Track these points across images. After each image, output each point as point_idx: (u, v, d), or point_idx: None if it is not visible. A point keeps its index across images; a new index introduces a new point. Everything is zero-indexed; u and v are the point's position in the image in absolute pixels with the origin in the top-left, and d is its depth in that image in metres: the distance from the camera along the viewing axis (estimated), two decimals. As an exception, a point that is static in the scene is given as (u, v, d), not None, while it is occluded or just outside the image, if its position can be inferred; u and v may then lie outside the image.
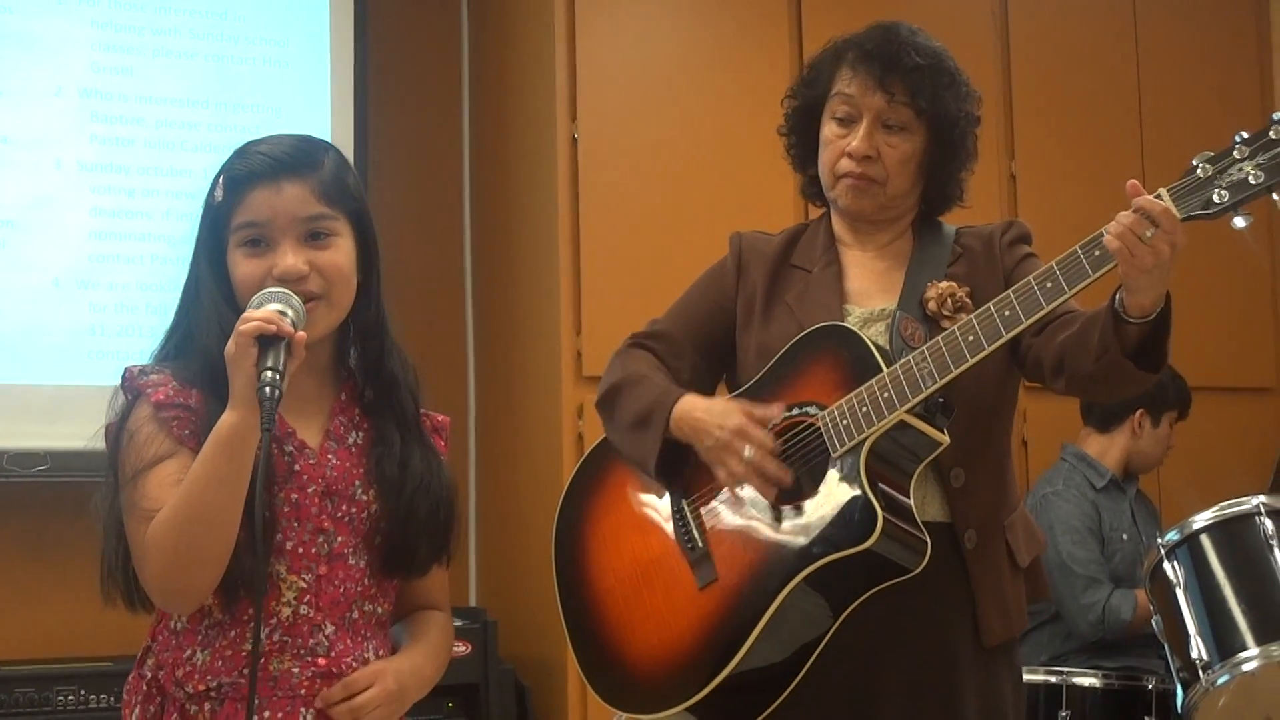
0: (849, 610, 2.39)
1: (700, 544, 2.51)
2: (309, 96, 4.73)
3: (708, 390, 2.73)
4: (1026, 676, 3.93)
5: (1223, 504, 3.45)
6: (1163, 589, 3.46)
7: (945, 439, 2.41)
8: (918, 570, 2.37)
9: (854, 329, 2.50)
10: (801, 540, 2.39)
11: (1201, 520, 3.44)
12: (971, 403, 2.47)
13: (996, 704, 2.54)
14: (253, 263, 2.10)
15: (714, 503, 2.53)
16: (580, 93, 4.50)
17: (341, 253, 2.14)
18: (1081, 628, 4.32)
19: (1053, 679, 3.89)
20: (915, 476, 2.43)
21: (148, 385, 2.09)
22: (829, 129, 2.63)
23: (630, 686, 2.55)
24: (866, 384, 2.40)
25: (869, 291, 2.62)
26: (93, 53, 4.50)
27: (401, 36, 5.15)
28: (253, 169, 2.11)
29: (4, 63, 4.39)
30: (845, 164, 2.59)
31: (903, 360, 2.39)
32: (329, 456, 2.15)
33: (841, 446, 2.40)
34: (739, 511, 2.48)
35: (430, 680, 2.24)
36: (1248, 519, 3.40)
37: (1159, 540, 3.50)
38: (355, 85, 4.77)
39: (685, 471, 2.56)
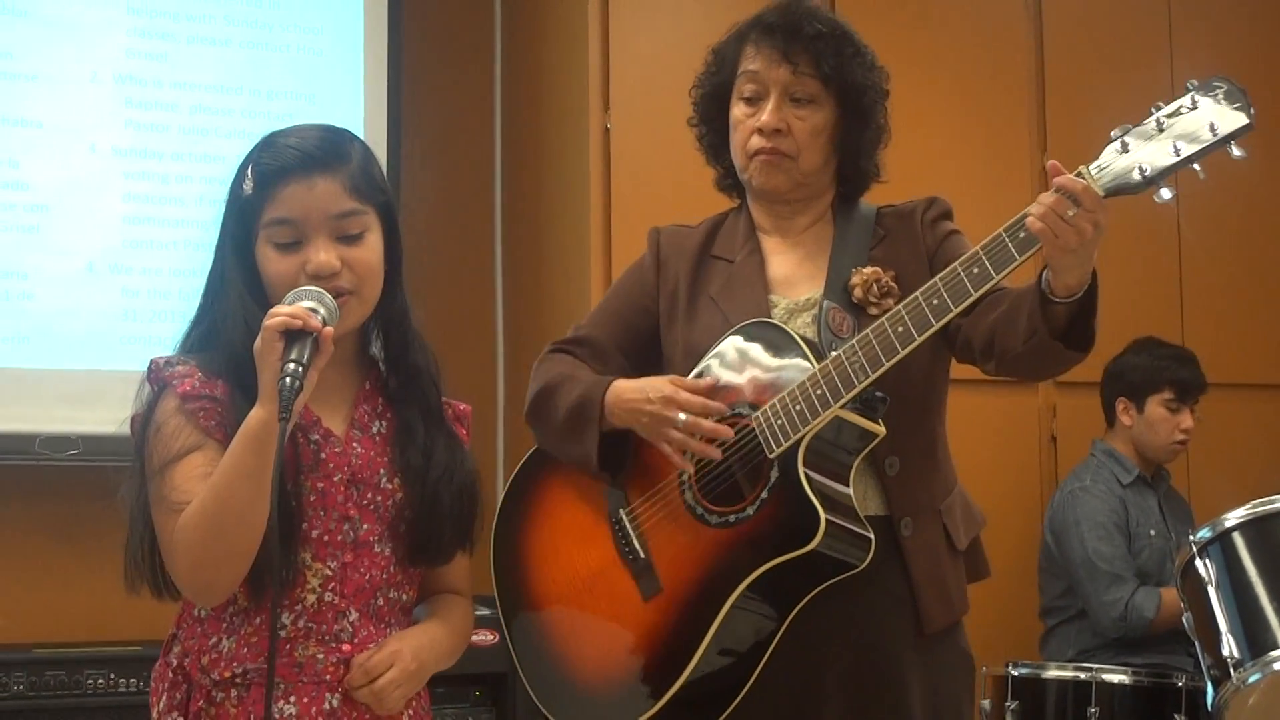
0: (796, 611, 2.36)
1: (642, 554, 2.48)
2: (342, 84, 4.73)
3: None
4: (1055, 673, 3.94)
5: (1255, 502, 3.42)
6: (1194, 586, 3.43)
7: (881, 430, 2.38)
8: (864, 565, 2.35)
9: (781, 324, 2.47)
10: (744, 545, 2.36)
11: (1234, 518, 3.41)
12: (900, 389, 2.42)
13: (945, 692, 2.51)
14: (285, 259, 2.10)
15: (653, 511, 2.50)
16: (613, 82, 4.49)
17: (371, 248, 2.14)
18: (1104, 624, 4.31)
19: (1081, 675, 3.88)
20: (854, 470, 2.40)
21: (174, 376, 2.10)
22: (737, 110, 2.60)
23: (581, 705, 2.53)
24: (798, 381, 2.37)
25: (792, 280, 2.58)
26: (128, 38, 4.51)
27: (435, 25, 5.16)
28: (284, 164, 2.11)
29: (40, 48, 4.41)
30: (756, 141, 2.55)
31: (833, 355, 2.35)
32: (354, 445, 2.15)
33: (778, 447, 2.36)
34: (679, 519, 2.45)
35: (449, 653, 2.25)
36: (1280, 517, 3.38)
37: (1191, 538, 3.48)
38: (388, 73, 4.77)
39: (620, 477, 2.53)
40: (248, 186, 2.12)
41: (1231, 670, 3.25)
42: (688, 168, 4.49)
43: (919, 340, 2.30)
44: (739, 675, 2.37)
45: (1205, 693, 3.42)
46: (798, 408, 2.35)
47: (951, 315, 2.28)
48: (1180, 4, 5.33)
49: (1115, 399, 4.58)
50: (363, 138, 2.26)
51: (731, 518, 2.39)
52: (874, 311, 2.43)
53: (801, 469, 2.34)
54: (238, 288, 2.12)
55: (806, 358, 2.38)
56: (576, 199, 4.54)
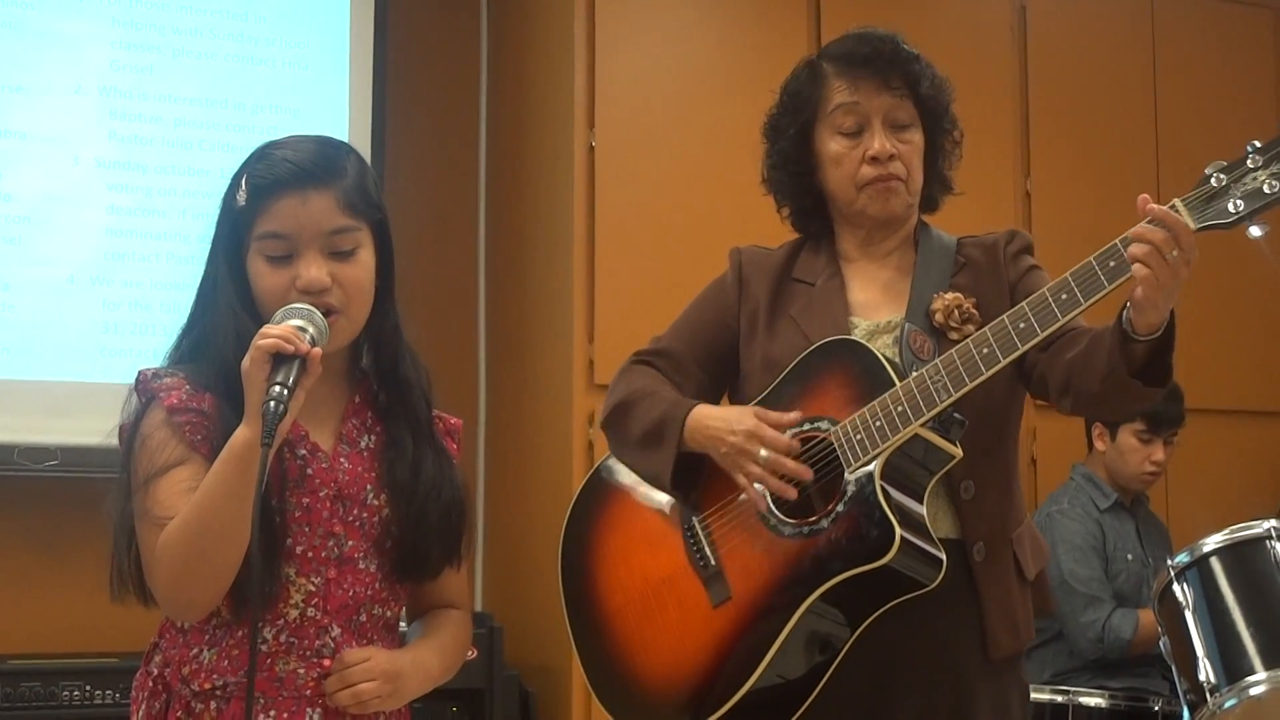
0: (864, 626, 2.38)
1: (713, 561, 2.49)
2: (328, 99, 4.74)
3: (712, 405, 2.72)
4: (1032, 695, 3.94)
5: (1234, 527, 3.44)
6: (1171, 610, 3.45)
7: (959, 452, 2.40)
8: (933, 585, 2.36)
9: (864, 342, 2.49)
10: (817, 557, 2.37)
11: (1212, 543, 3.43)
12: (981, 414, 2.45)
13: (1006, 718, 2.53)
14: (276, 273, 2.09)
15: (726, 519, 2.51)
16: (598, 101, 4.50)
17: (362, 266, 2.13)
18: (1081, 645, 4.32)
19: (1059, 698, 3.89)
20: (928, 490, 2.42)
21: (161, 389, 2.08)
22: (835, 145, 2.60)
23: (643, 706, 2.54)
24: (879, 398, 2.39)
25: (874, 303, 2.60)
26: (113, 51, 4.52)
27: (421, 42, 5.17)
28: (278, 177, 2.09)
29: (25, 59, 4.41)
30: (868, 170, 2.56)
31: (916, 374, 2.37)
32: (341, 460, 2.14)
33: (856, 461, 2.38)
34: (752, 528, 2.46)
35: (435, 675, 2.23)
36: (1258, 543, 3.39)
37: (1169, 562, 3.49)
38: (374, 89, 4.78)
39: (697, 487, 2.55)
40: (241, 197, 2.10)
41: (1207, 695, 3.26)
42: (670, 186, 4.55)
43: (1004, 363, 2.32)
44: (803, 687, 2.39)
45: (1181, 717, 3.43)
46: (877, 424, 2.37)
47: (1038, 339, 2.30)
48: (1164, 28, 5.37)
49: (1092, 423, 4.60)
50: (350, 150, 2.25)
51: (805, 529, 2.40)
52: (954, 337, 2.45)
53: (879, 484, 2.35)
54: (229, 298, 2.11)
55: (888, 376, 2.40)
56: (560, 216, 4.55)
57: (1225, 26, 5.51)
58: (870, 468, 2.37)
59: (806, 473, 2.41)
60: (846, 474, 2.40)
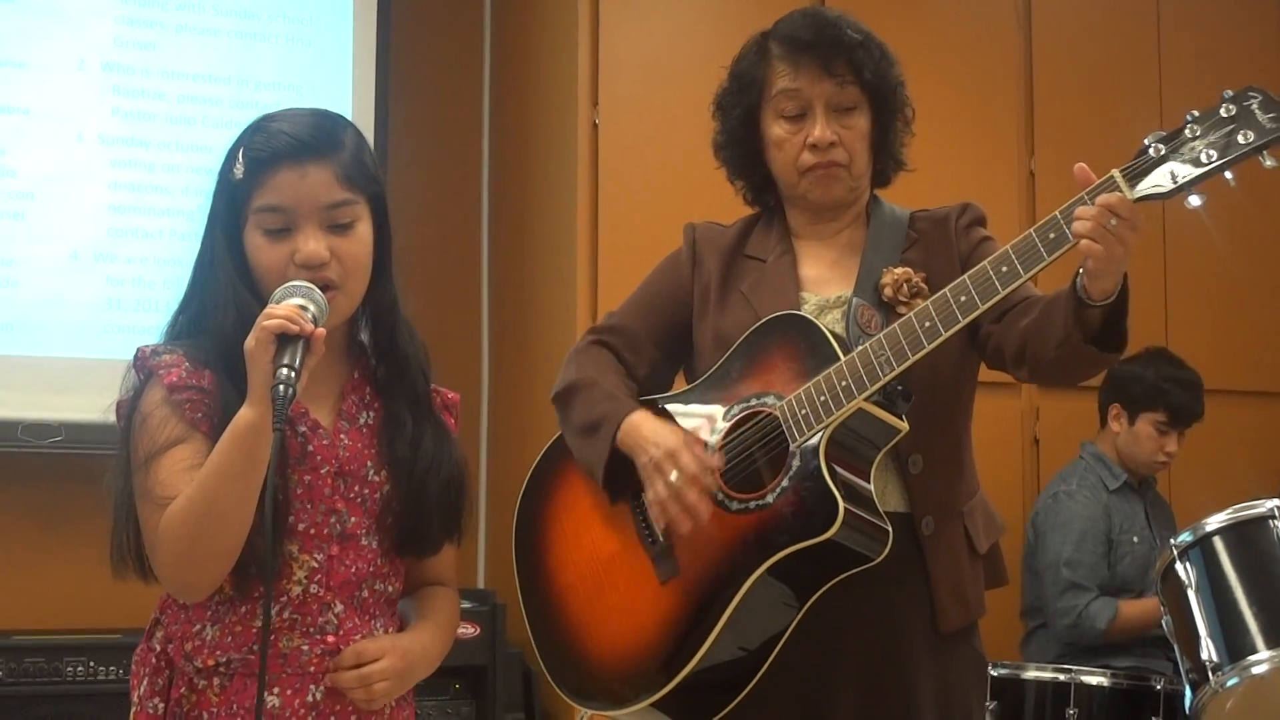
0: (812, 600, 2.37)
1: (661, 538, 2.48)
2: (330, 76, 4.73)
3: (666, 381, 2.73)
4: (1034, 674, 3.95)
5: (1236, 507, 3.44)
6: (1174, 590, 3.44)
7: (904, 426, 2.40)
8: (880, 559, 2.36)
9: (810, 317, 2.49)
10: (763, 532, 2.37)
11: (1215, 522, 3.42)
12: (929, 388, 2.45)
13: (956, 691, 2.53)
14: (274, 247, 2.08)
15: None
16: (602, 78, 4.49)
17: (360, 240, 2.12)
18: (1057, 628, 4.34)
19: (1061, 677, 3.89)
20: (875, 464, 2.42)
21: (160, 366, 2.07)
22: (778, 129, 2.60)
23: (594, 683, 2.54)
24: (824, 373, 2.39)
25: (824, 279, 2.60)
26: (116, 26, 4.51)
27: (424, 18, 5.16)
28: (276, 150, 2.08)
29: (27, 35, 4.40)
30: (808, 157, 2.57)
31: (860, 348, 2.38)
32: (341, 437, 2.14)
33: (801, 437, 2.38)
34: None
35: (436, 659, 2.24)
36: (1261, 522, 3.38)
37: (1172, 541, 3.49)
38: (377, 65, 4.78)
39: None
40: (238, 170, 2.10)
41: (1209, 674, 3.26)
42: (675, 163, 4.54)
43: (945, 335, 2.32)
44: (752, 663, 2.38)
45: (1183, 696, 3.43)
46: (822, 399, 2.37)
47: (979, 312, 2.31)
48: (1169, 5, 5.34)
49: (1110, 403, 4.58)
50: (350, 125, 2.24)
51: (752, 504, 2.40)
52: (903, 311, 2.45)
53: (823, 459, 2.35)
54: (227, 272, 2.10)
55: (833, 350, 2.40)
56: (564, 193, 4.54)
57: (1231, 4, 5.49)
58: (814, 442, 2.37)
59: (704, 512, 2.38)
60: (792, 449, 2.39)
